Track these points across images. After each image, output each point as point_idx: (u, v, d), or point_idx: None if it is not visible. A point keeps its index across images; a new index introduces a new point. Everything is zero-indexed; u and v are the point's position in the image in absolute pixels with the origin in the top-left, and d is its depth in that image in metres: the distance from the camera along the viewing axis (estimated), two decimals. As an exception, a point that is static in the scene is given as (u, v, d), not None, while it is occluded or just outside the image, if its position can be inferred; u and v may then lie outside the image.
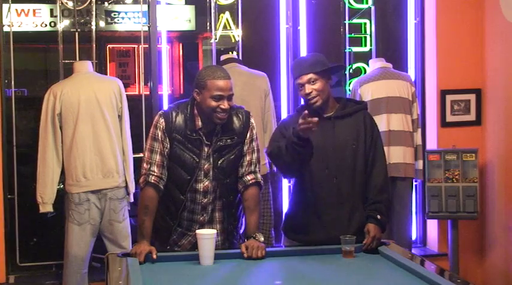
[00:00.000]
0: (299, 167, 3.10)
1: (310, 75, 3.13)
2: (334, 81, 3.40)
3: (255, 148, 3.15)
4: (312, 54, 3.32)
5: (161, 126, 3.05)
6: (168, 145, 3.04)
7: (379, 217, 3.10)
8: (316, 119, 2.86)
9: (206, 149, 3.04)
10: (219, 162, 3.05)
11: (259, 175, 3.15)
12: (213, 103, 2.94)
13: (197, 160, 3.03)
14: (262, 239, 3.01)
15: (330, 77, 3.22)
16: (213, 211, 3.12)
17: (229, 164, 3.07)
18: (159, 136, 3.05)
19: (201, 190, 3.07)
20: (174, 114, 3.06)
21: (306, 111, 2.89)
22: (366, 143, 3.19)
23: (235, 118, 3.10)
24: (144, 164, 3.09)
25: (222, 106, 2.94)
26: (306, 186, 3.18)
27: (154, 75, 4.80)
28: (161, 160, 3.05)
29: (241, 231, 3.29)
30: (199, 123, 3.03)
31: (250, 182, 3.11)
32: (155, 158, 3.05)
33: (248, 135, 3.11)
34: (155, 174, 3.04)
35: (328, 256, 2.93)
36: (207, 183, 3.07)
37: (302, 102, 3.35)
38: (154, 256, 2.86)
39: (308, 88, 3.14)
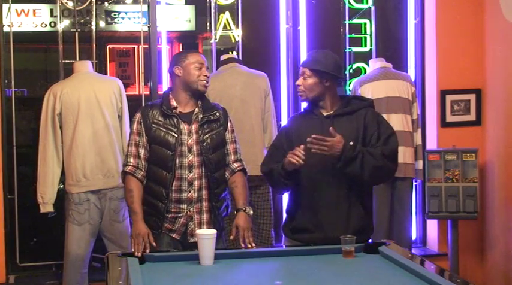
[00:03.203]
0: (286, 190, 3.33)
1: (305, 70, 3.21)
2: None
3: (236, 138, 3.40)
4: (325, 52, 3.26)
5: (137, 119, 3.31)
6: (144, 132, 3.26)
7: (351, 143, 3.03)
8: (302, 153, 3.01)
9: (186, 127, 3.25)
10: (204, 137, 3.25)
11: (244, 163, 3.40)
12: (197, 72, 3.26)
13: (176, 136, 3.22)
14: (251, 212, 3.25)
15: (328, 80, 3.19)
16: (200, 189, 3.25)
17: (213, 140, 3.27)
18: (135, 128, 3.30)
19: (186, 164, 3.23)
20: (149, 107, 3.33)
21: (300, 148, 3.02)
22: (365, 141, 3.16)
23: (213, 105, 3.39)
24: (125, 157, 3.35)
25: (204, 74, 3.27)
26: (303, 185, 3.18)
27: (154, 75, 4.80)
28: (136, 151, 3.27)
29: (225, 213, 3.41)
30: (174, 103, 3.28)
31: (238, 169, 3.35)
32: (131, 150, 3.29)
33: (229, 125, 3.37)
34: (131, 164, 3.26)
35: (328, 256, 2.93)
36: (191, 158, 3.23)
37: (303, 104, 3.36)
38: (154, 243, 3.04)
39: (299, 80, 3.24)
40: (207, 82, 3.30)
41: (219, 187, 3.29)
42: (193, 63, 3.26)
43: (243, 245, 3.09)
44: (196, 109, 3.29)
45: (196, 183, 3.23)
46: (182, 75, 3.27)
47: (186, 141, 3.23)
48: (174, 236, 3.25)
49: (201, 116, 3.27)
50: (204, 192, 3.26)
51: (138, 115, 3.30)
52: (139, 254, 2.93)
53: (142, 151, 3.26)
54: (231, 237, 3.18)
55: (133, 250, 2.99)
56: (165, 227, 3.24)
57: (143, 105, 4.84)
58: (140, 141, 3.27)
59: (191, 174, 3.23)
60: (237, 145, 3.39)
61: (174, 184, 3.21)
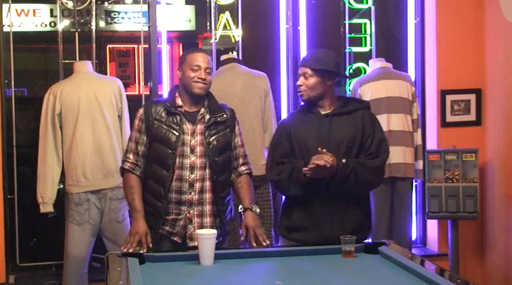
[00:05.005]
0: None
1: (307, 70, 3.20)
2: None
3: (243, 142, 3.36)
4: (324, 51, 3.29)
5: (138, 116, 3.26)
6: (145, 130, 3.20)
7: (343, 161, 3.04)
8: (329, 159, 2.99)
9: (190, 126, 3.18)
10: (211, 139, 3.19)
11: (251, 166, 3.37)
12: (192, 74, 3.17)
13: (177, 134, 3.15)
14: (258, 210, 3.20)
15: (330, 78, 3.21)
16: (202, 191, 3.19)
17: (219, 142, 3.21)
18: (136, 124, 3.26)
19: (188, 165, 3.17)
20: (154, 104, 3.27)
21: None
22: (362, 141, 3.18)
23: (221, 106, 3.31)
24: (124, 152, 3.32)
25: (199, 76, 3.15)
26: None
27: (154, 75, 4.80)
28: (136, 148, 3.24)
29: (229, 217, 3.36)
30: (179, 102, 3.21)
31: (245, 172, 3.32)
32: (131, 146, 3.26)
33: (237, 128, 3.32)
34: (130, 161, 3.24)
35: (327, 256, 2.93)
36: (193, 159, 3.17)
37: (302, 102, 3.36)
38: (150, 244, 3.05)
39: (300, 80, 3.22)
40: (204, 85, 3.18)
41: (224, 190, 3.24)
42: (189, 65, 3.18)
43: (254, 245, 3.05)
44: (202, 110, 3.21)
45: (197, 185, 3.17)
46: (181, 77, 3.23)
47: (189, 141, 3.16)
48: (175, 239, 3.19)
49: (208, 117, 3.20)
50: (208, 195, 3.19)
51: (140, 112, 3.24)
52: (132, 250, 2.95)
53: (141, 148, 3.22)
54: (242, 238, 3.15)
55: (126, 249, 2.99)
56: (166, 231, 3.19)
57: (143, 102, 4.86)
58: (140, 138, 3.22)
59: (192, 176, 3.16)
60: (244, 148, 3.34)
61: (174, 184, 3.15)
